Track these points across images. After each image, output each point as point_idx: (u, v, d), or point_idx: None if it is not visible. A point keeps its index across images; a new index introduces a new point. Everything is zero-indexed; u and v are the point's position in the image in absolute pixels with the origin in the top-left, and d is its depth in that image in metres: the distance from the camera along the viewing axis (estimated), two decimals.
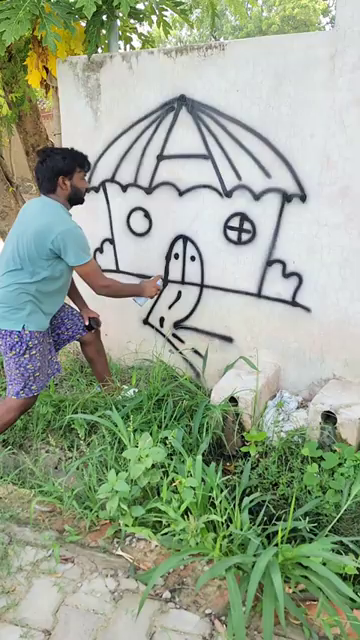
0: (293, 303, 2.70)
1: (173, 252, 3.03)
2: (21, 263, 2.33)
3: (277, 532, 1.80)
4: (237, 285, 2.85)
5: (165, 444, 2.30)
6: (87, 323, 2.80)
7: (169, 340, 3.19)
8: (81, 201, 2.53)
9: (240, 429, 2.52)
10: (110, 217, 3.20)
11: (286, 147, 2.52)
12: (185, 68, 2.69)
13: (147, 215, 3.06)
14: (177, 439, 2.31)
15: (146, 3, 3.37)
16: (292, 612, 1.61)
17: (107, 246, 3.26)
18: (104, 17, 3.01)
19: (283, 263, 2.68)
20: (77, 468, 2.29)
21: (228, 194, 2.74)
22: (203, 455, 2.21)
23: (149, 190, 3.00)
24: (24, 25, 2.63)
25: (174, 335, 3.17)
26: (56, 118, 3.36)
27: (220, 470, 2.12)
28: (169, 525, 1.93)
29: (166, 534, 1.93)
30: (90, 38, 2.94)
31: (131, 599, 1.72)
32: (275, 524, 1.96)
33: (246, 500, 1.97)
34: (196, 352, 3.11)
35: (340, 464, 2.19)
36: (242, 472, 2.25)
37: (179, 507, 1.92)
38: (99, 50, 3.24)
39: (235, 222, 2.76)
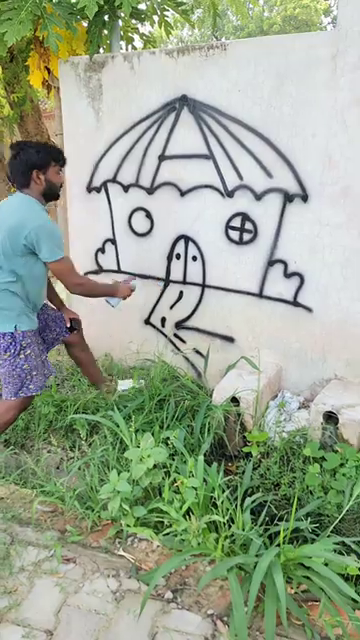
0: (295, 303, 2.69)
1: (175, 252, 3.03)
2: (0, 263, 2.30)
3: (279, 532, 1.80)
4: (239, 285, 2.85)
5: (167, 444, 2.30)
6: (68, 325, 2.77)
7: (171, 340, 3.19)
8: (56, 196, 2.46)
9: (242, 429, 2.52)
10: (112, 217, 3.20)
11: (288, 147, 2.52)
12: (187, 68, 2.69)
13: (149, 215, 3.06)
14: (179, 439, 2.31)
15: (148, 3, 3.37)
16: (294, 613, 1.61)
17: (109, 246, 3.26)
18: (106, 17, 3.02)
19: (285, 263, 2.68)
20: (79, 468, 2.29)
21: (230, 194, 2.74)
22: (205, 455, 2.20)
23: (151, 190, 3.00)
24: (26, 26, 2.64)
25: (176, 335, 3.17)
26: (58, 118, 3.36)
27: (222, 470, 2.12)
28: (171, 525, 1.93)
29: (168, 534, 1.93)
30: (92, 38, 2.94)
31: (133, 599, 1.72)
32: (277, 524, 1.96)
33: (248, 500, 1.97)
34: (198, 352, 3.11)
35: (342, 464, 2.19)
36: (244, 472, 2.25)
37: (181, 507, 1.92)
38: (101, 50, 3.24)
39: (237, 222, 2.76)
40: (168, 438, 2.32)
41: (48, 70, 3.31)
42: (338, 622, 1.54)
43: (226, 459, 2.52)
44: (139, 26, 3.82)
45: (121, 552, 1.91)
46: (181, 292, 3.08)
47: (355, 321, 2.55)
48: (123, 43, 3.63)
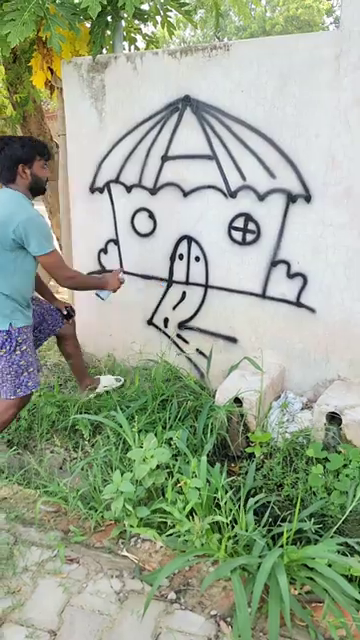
0: (298, 304, 2.69)
1: (177, 253, 3.03)
2: None
3: (282, 533, 1.80)
4: (241, 286, 2.85)
5: (170, 445, 2.30)
6: (65, 312, 2.82)
7: (173, 341, 3.19)
8: (42, 191, 2.47)
9: (245, 430, 2.51)
10: (114, 218, 3.20)
11: (291, 147, 2.52)
12: (190, 69, 2.69)
13: (152, 216, 3.06)
14: (182, 440, 2.31)
15: (150, 4, 3.37)
16: (298, 614, 1.61)
17: (111, 247, 3.27)
18: (109, 18, 3.02)
19: (288, 263, 2.68)
20: (82, 468, 2.29)
21: (233, 195, 2.74)
22: (207, 456, 2.20)
23: (154, 191, 3.00)
24: (29, 27, 2.64)
25: (178, 336, 3.17)
26: (60, 119, 3.36)
27: (225, 471, 2.12)
28: (174, 526, 1.92)
29: (171, 535, 1.93)
30: (95, 39, 2.94)
31: (136, 600, 1.72)
32: (280, 525, 1.96)
33: (251, 501, 1.97)
34: (200, 353, 3.11)
35: (345, 465, 2.18)
36: (247, 473, 2.25)
37: (184, 508, 1.92)
38: (104, 51, 3.24)
39: (240, 222, 2.76)
40: (171, 438, 2.32)
41: (51, 71, 3.31)
42: (342, 623, 1.53)
43: (229, 460, 2.51)
44: (142, 26, 3.83)
45: (124, 552, 1.92)
46: (184, 292, 3.08)
47: (358, 321, 2.55)
48: (126, 44, 3.64)
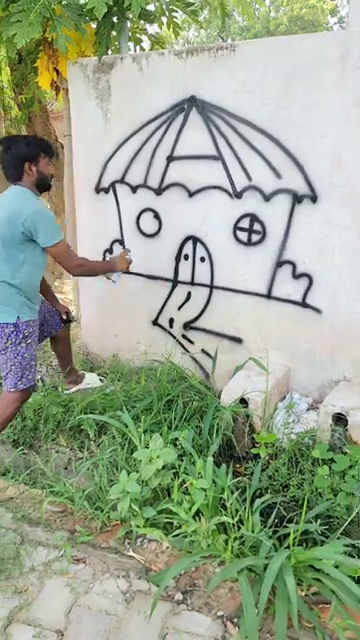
0: (303, 304, 2.69)
1: (183, 253, 3.03)
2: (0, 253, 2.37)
3: (288, 534, 1.79)
4: (247, 286, 2.84)
5: (175, 445, 2.30)
6: (65, 317, 2.90)
7: (179, 341, 3.19)
8: (48, 187, 2.55)
9: (250, 430, 2.51)
10: (120, 218, 3.20)
11: (297, 148, 2.52)
12: (195, 69, 2.70)
13: (157, 216, 3.06)
14: (187, 440, 2.31)
15: (156, 4, 3.37)
16: (305, 615, 1.61)
17: (117, 247, 3.27)
18: (115, 19, 3.02)
19: (293, 264, 2.67)
20: (87, 469, 2.29)
21: (238, 195, 2.74)
22: (213, 456, 2.20)
23: (159, 191, 3.00)
24: (35, 28, 2.65)
25: (184, 336, 3.17)
26: (66, 119, 3.37)
27: (230, 472, 2.11)
28: (180, 526, 1.93)
29: (177, 535, 1.93)
30: (100, 40, 2.95)
31: (143, 600, 1.72)
32: (286, 526, 1.96)
33: (257, 502, 1.97)
34: (206, 353, 3.10)
35: (351, 466, 2.18)
36: (252, 474, 2.25)
37: (190, 508, 1.92)
38: (109, 52, 3.25)
39: (245, 223, 2.76)
40: (176, 439, 2.32)
41: (57, 71, 3.32)
42: (349, 625, 1.53)
43: (234, 460, 2.51)
44: (147, 27, 3.83)
45: (131, 553, 1.92)
46: (189, 293, 3.08)
47: None
48: (131, 44, 3.64)
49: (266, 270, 2.76)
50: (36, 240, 2.37)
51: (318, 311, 2.66)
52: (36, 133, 4.55)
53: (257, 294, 2.82)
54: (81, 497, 2.11)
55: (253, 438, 2.48)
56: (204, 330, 3.08)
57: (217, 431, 2.44)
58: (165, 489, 2.12)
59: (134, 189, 3.09)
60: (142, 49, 3.77)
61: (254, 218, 2.72)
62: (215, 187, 2.80)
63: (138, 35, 3.68)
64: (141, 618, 1.65)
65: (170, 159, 2.91)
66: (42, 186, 2.50)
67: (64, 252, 2.46)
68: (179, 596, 1.73)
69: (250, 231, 2.75)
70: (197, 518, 1.90)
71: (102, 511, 2.07)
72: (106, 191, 3.20)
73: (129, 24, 3.33)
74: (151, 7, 3.43)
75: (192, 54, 2.69)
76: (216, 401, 2.66)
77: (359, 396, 2.44)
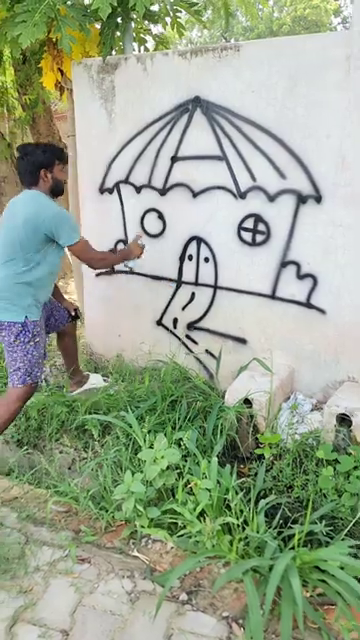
0: (308, 305, 2.68)
1: (187, 253, 3.03)
2: (14, 254, 2.42)
3: (292, 535, 1.79)
4: (251, 286, 2.84)
5: (179, 445, 2.30)
6: (73, 314, 2.98)
7: (183, 341, 3.19)
8: (61, 192, 2.64)
9: (254, 431, 2.51)
10: (124, 218, 3.21)
11: (301, 148, 2.51)
12: (200, 69, 2.69)
13: (161, 216, 3.06)
14: (191, 440, 2.31)
15: (160, 5, 3.37)
16: (310, 616, 1.61)
17: (121, 247, 3.27)
18: (119, 19, 3.03)
19: (298, 264, 2.67)
20: (92, 469, 2.30)
21: (242, 195, 2.73)
22: (217, 457, 2.20)
23: (163, 191, 3.00)
24: (40, 28, 2.65)
25: (187, 336, 3.17)
26: (70, 120, 3.37)
27: (235, 472, 2.11)
28: (185, 527, 1.93)
29: (182, 536, 1.93)
30: (105, 40, 2.95)
31: (148, 600, 1.72)
32: (290, 527, 1.95)
33: (262, 503, 1.97)
34: (210, 353, 3.10)
35: (356, 467, 2.17)
36: (256, 474, 2.24)
37: (195, 509, 1.92)
38: (113, 52, 3.25)
39: (249, 223, 2.76)
40: (181, 439, 2.32)
41: (61, 72, 3.33)
42: (355, 626, 1.53)
43: (238, 461, 2.51)
44: (151, 27, 3.83)
45: (135, 553, 1.92)
46: (193, 293, 3.08)
47: None
48: (135, 45, 3.64)
49: (270, 270, 2.75)
50: (57, 241, 2.45)
51: (322, 312, 2.65)
52: (40, 133, 4.56)
53: (261, 294, 2.82)
54: (86, 497, 2.11)
55: (257, 439, 2.48)
56: (208, 330, 3.08)
57: (221, 431, 2.44)
58: (169, 489, 2.12)
59: (138, 189, 3.09)
60: (146, 49, 3.78)
61: (258, 218, 2.72)
62: (219, 187, 2.80)
63: (142, 35, 3.67)
64: (146, 618, 1.65)
65: (174, 159, 2.91)
66: (56, 191, 2.59)
67: (85, 249, 2.58)
68: (184, 596, 1.73)
69: (254, 231, 2.75)
70: (202, 518, 1.90)
71: (107, 511, 2.07)
72: (110, 191, 3.20)
73: (133, 24, 3.33)
74: (155, 7, 3.43)
75: (196, 54, 2.69)
76: (220, 401, 2.66)
77: None
